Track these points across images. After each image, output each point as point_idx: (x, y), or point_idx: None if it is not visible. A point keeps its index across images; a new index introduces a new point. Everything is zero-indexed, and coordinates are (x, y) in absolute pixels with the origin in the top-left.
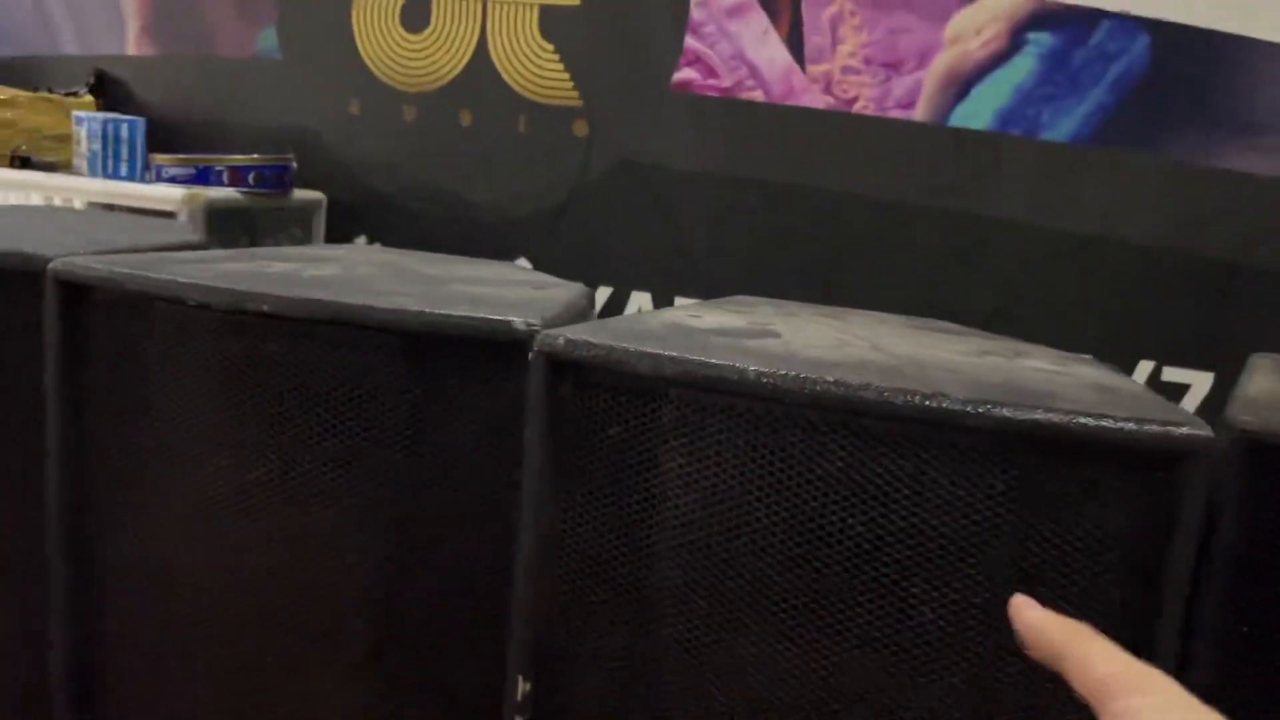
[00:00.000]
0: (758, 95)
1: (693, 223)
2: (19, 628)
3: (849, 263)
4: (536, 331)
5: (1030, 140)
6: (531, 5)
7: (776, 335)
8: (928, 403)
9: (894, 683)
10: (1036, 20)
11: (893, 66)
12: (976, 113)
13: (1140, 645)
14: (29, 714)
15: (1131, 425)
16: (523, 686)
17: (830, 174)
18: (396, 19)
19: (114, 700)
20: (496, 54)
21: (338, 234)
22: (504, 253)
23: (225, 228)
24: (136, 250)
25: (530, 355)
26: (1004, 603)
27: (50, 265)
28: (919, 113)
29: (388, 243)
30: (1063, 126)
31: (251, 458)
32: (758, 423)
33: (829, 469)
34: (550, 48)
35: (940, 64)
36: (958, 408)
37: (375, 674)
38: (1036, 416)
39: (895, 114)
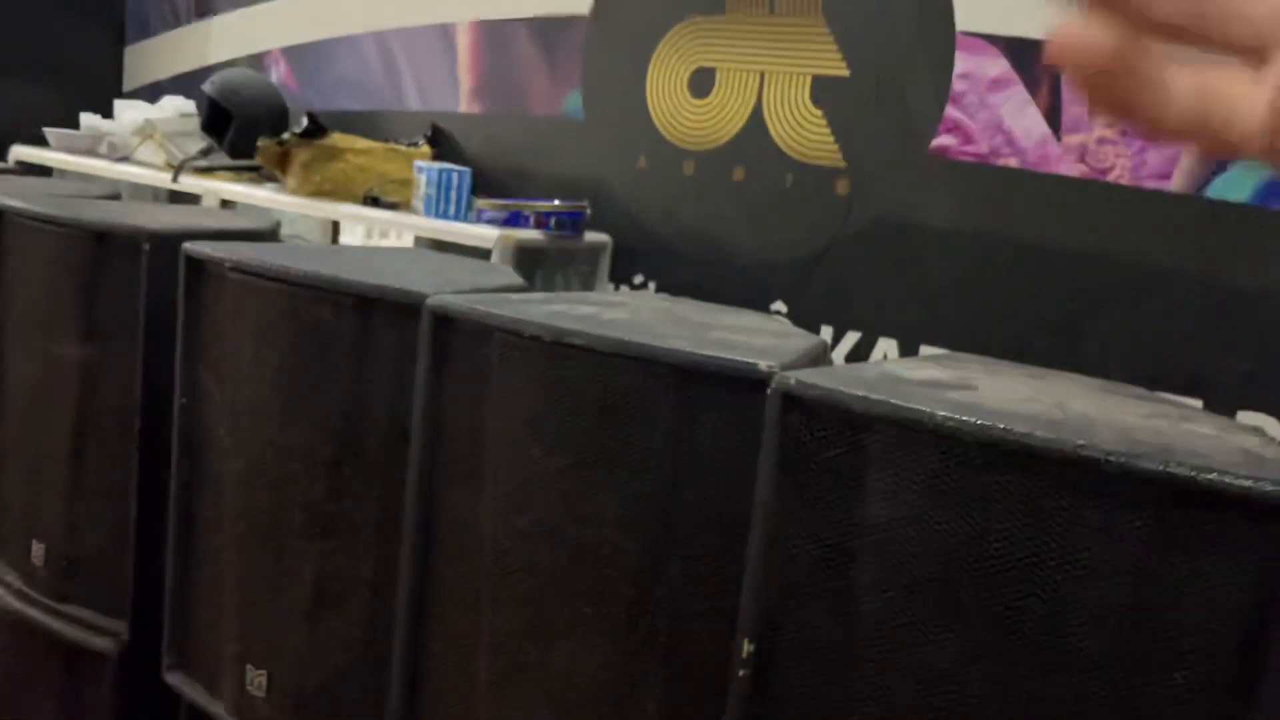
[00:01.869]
0: (1013, 161)
1: (942, 277)
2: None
3: (1096, 323)
4: (775, 373)
5: None
6: (804, 75)
7: (974, 389)
8: (1079, 450)
9: (1043, 681)
10: None
11: (1149, 139)
12: (1235, 186)
13: (1246, 683)
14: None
15: (1249, 482)
16: (747, 647)
17: (1081, 237)
18: (685, 86)
19: (439, 640)
20: (770, 118)
21: (619, 272)
22: (763, 295)
23: (526, 263)
24: (480, 290)
25: (768, 391)
26: (1139, 622)
27: (427, 301)
28: (1174, 184)
29: (662, 282)
30: None
31: (556, 452)
32: (941, 457)
33: (999, 498)
34: (819, 113)
35: None
36: (1099, 455)
37: (634, 633)
38: (1167, 469)
39: (1150, 184)
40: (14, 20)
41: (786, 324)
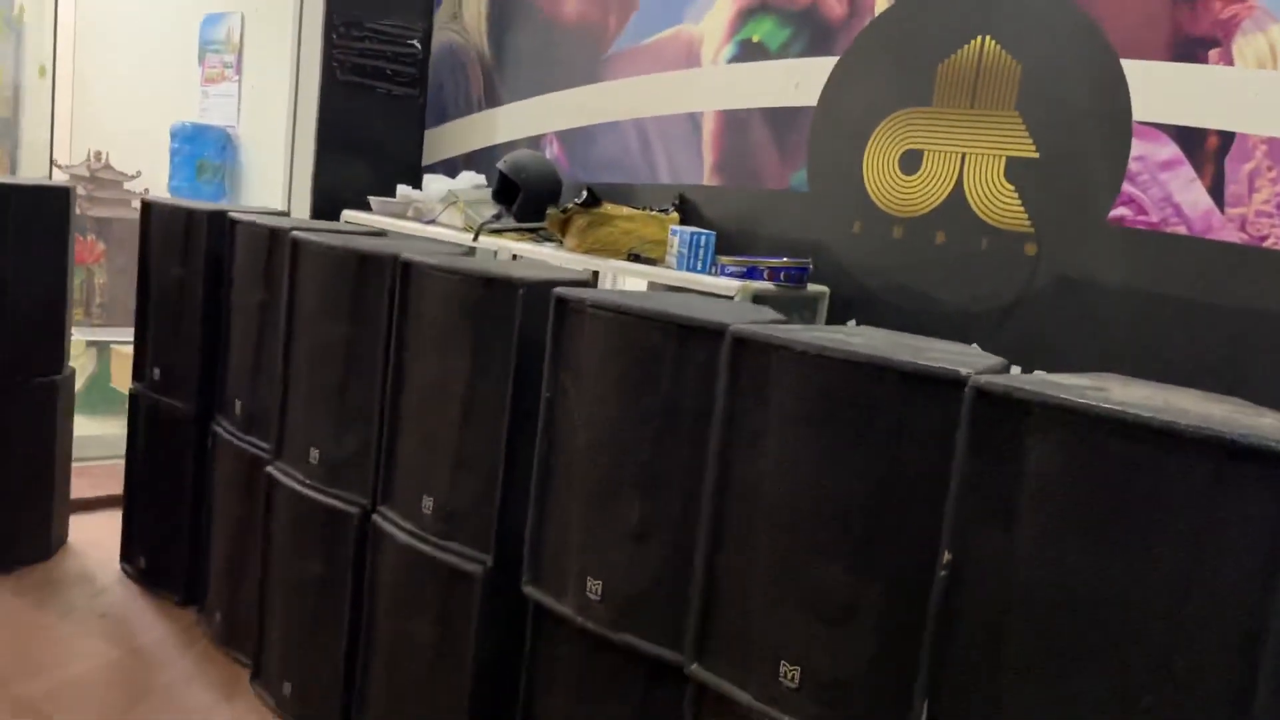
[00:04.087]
0: (1181, 230)
1: (1117, 329)
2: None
3: (1257, 372)
4: (971, 375)
5: None
6: (1000, 156)
7: (1105, 390)
8: (1158, 419)
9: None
10: None
11: None
12: None
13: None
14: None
15: (1235, 435)
16: (947, 556)
17: (1240, 296)
18: (896, 165)
19: (726, 563)
20: (969, 190)
21: (834, 318)
22: (959, 339)
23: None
24: (758, 322)
25: (966, 388)
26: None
27: (730, 328)
28: None
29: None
30: None
31: (814, 435)
32: (1072, 430)
33: (1111, 457)
34: (1011, 187)
35: None
36: (1165, 422)
37: (864, 556)
38: (1214, 430)
39: None
40: (342, 114)
41: (979, 350)
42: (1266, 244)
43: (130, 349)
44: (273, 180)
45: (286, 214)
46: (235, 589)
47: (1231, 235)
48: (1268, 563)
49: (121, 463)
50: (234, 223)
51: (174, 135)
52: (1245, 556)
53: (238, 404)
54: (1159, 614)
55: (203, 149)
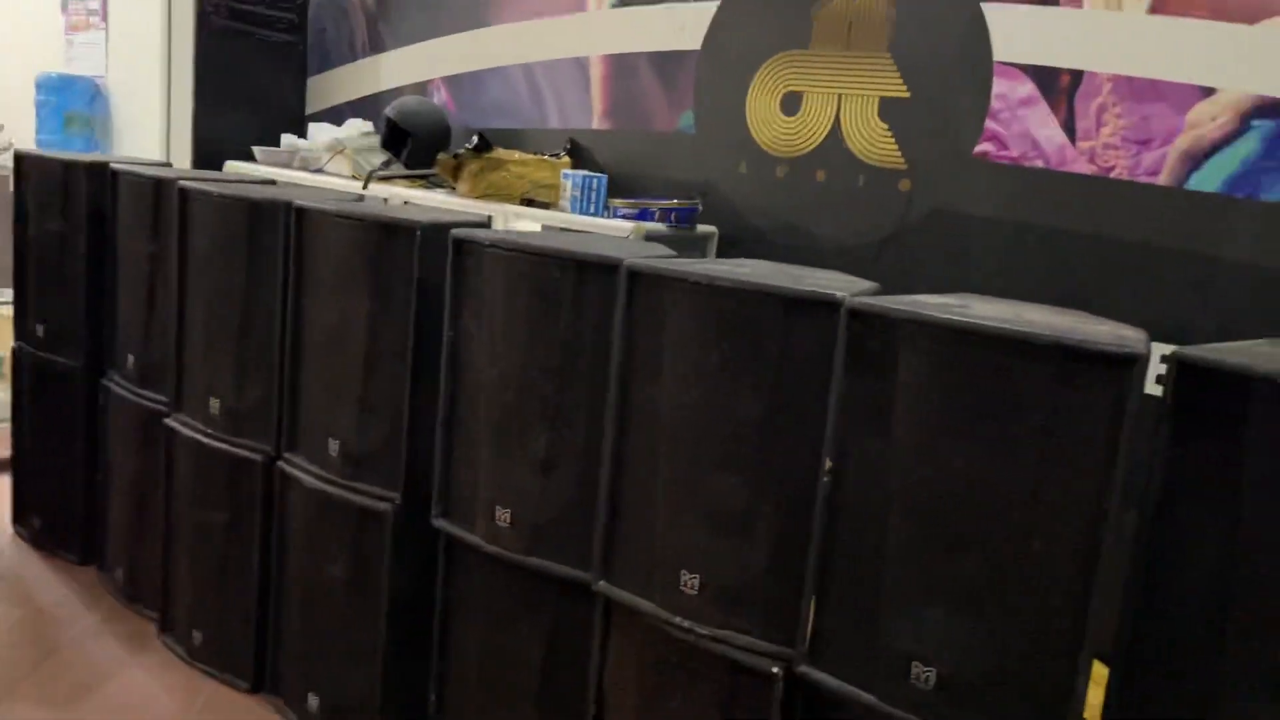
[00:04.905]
0: (1038, 163)
1: (984, 256)
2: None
3: (1105, 290)
4: (846, 297)
5: (1252, 200)
6: (873, 96)
7: (968, 308)
8: (1010, 329)
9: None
10: (1260, 110)
11: (1143, 144)
12: (1209, 179)
13: (1110, 463)
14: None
15: (1109, 346)
16: (829, 464)
17: (1091, 222)
18: (778, 106)
19: (629, 486)
20: (846, 130)
21: (723, 255)
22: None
23: None
24: (652, 257)
25: (841, 309)
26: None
27: (624, 262)
28: (1162, 178)
29: None
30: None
31: (704, 359)
32: (937, 344)
33: (965, 365)
34: (885, 126)
35: (1181, 142)
36: (1017, 332)
37: (756, 469)
38: (1058, 336)
39: (1143, 179)
40: (220, 62)
41: (858, 280)
42: (1113, 174)
43: (7, 309)
44: (148, 131)
45: (169, 165)
46: (137, 544)
47: (1083, 167)
48: (1107, 450)
49: (6, 425)
50: (116, 174)
51: (39, 86)
52: (1089, 445)
53: (130, 358)
54: (1018, 501)
55: (70, 100)
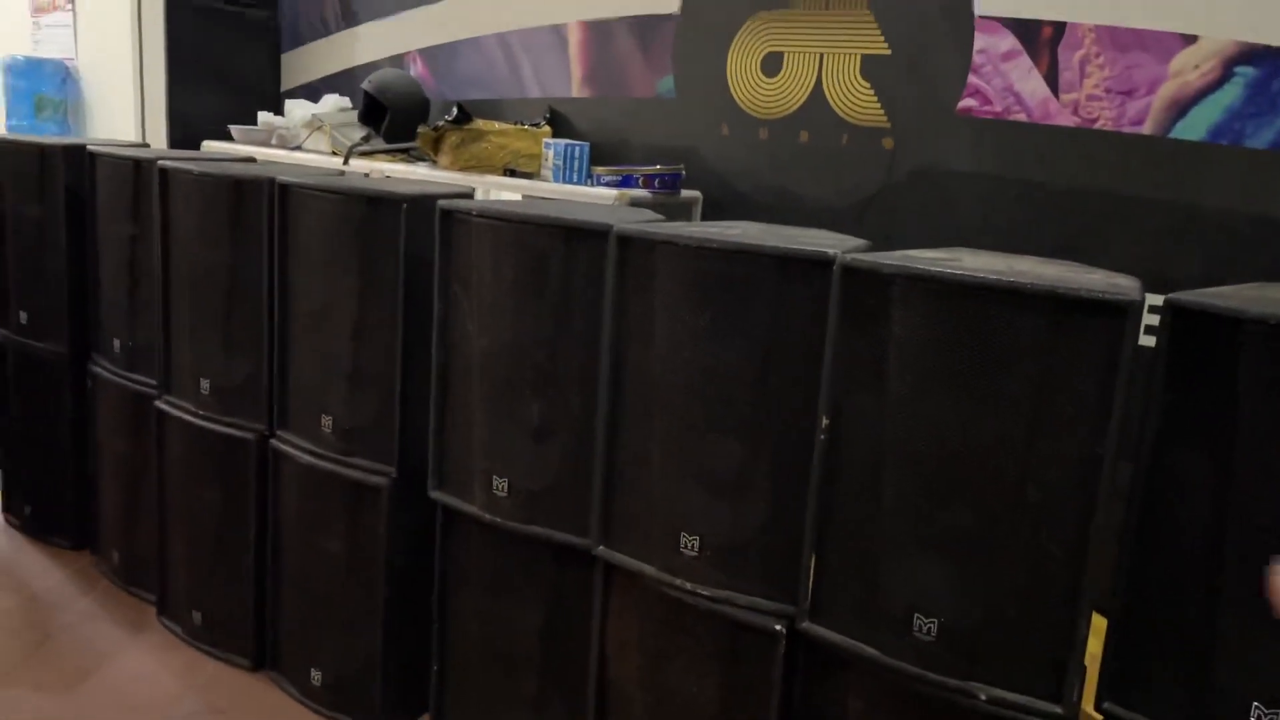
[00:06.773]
0: (1022, 117)
1: (968, 211)
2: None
3: (1091, 240)
4: (839, 254)
5: (1236, 147)
6: (854, 54)
7: (959, 261)
8: (1003, 280)
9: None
10: (1243, 57)
11: (1127, 94)
12: (1193, 127)
13: (1105, 413)
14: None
15: (1100, 294)
16: (825, 421)
17: (1077, 174)
18: (758, 67)
19: (625, 450)
20: (828, 90)
21: (709, 219)
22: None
23: None
24: (641, 222)
25: (834, 266)
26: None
27: (614, 228)
28: (1146, 128)
29: None
30: (1263, 136)
31: (699, 321)
32: (934, 295)
33: (963, 315)
34: (867, 84)
35: (1165, 91)
36: (1009, 282)
37: (754, 429)
38: (1050, 285)
39: (1128, 129)
40: (192, 41)
41: (848, 238)
42: (1097, 125)
43: None
44: (121, 113)
45: (146, 146)
46: (132, 527)
47: (1067, 119)
48: (1100, 397)
49: None
50: (94, 156)
51: (8, 70)
52: (1081, 394)
53: (116, 342)
54: (1013, 451)
55: (40, 84)
